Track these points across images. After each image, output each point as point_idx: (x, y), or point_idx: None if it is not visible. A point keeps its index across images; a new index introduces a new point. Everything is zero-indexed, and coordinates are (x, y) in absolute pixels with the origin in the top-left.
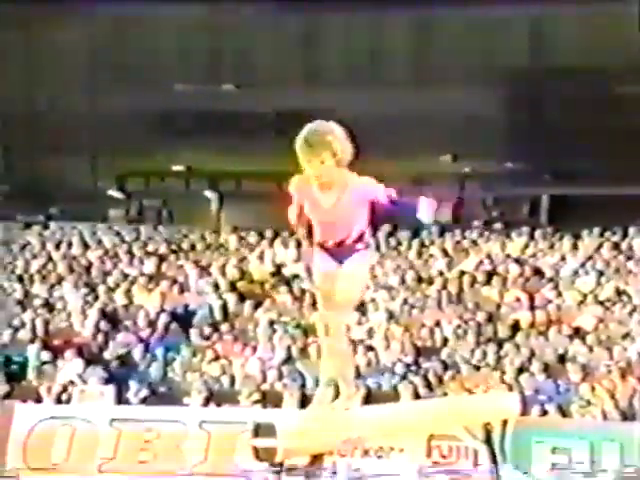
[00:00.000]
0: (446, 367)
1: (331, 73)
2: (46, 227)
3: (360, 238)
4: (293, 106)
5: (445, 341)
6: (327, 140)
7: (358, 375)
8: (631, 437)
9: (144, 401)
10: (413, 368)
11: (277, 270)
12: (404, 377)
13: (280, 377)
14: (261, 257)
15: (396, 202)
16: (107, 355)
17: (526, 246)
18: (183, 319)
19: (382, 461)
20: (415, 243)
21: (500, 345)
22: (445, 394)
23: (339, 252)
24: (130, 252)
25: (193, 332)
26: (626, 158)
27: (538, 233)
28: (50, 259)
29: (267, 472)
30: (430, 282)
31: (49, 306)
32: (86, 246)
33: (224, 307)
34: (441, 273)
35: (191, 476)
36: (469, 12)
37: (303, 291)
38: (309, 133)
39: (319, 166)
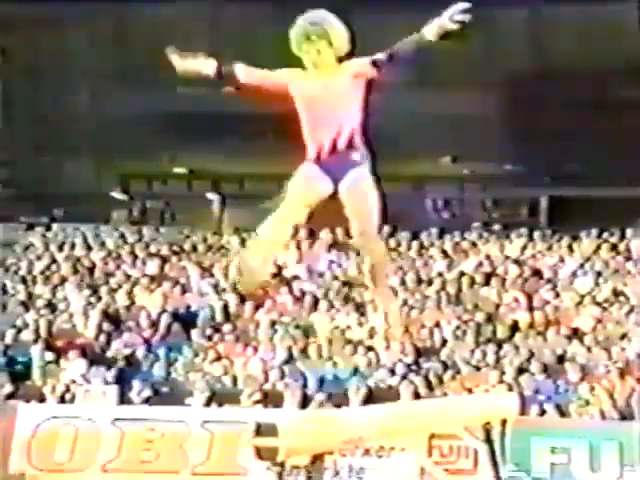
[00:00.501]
0: (446, 367)
1: None
2: (49, 228)
3: (352, 142)
4: (294, 109)
5: (445, 341)
6: (324, 29)
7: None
8: (630, 436)
9: (147, 401)
10: (413, 368)
11: (278, 271)
12: (404, 377)
13: (281, 377)
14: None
15: (393, 55)
16: (110, 355)
17: (525, 247)
18: (185, 320)
19: (383, 460)
20: (415, 244)
21: (499, 345)
22: (445, 394)
23: (333, 164)
24: (133, 253)
25: (195, 333)
26: (624, 160)
27: (537, 234)
28: (53, 260)
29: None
30: (430, 283)
31: (52, 307)
32: (89, 247)
33: (225, 308)
34: (440, 274)
35: (193, 475)
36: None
37: (303, 292)
38: (306, 22)
39: (315, 55)
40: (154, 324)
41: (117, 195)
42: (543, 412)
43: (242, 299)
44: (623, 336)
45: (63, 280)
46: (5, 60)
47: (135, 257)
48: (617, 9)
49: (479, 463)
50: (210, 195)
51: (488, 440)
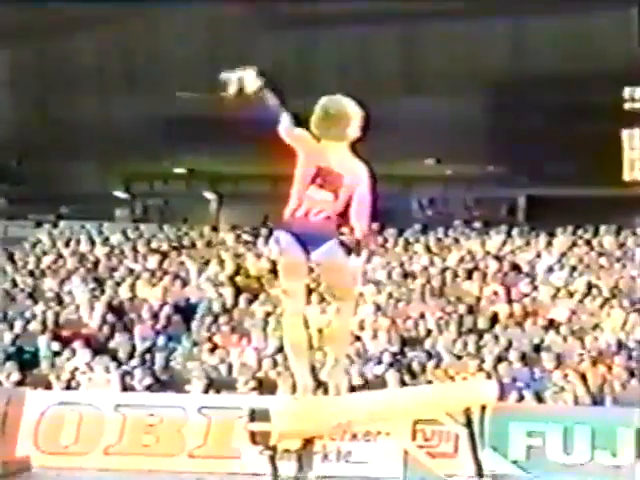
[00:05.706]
0: (430, 356)
1: (325, 81)
2: (56, 225)
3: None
4: (290, 112)
5: (429, 332)
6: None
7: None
8: (601, 421)
9: (148, 388)
10: (399, 357)
11: (272, 266)
12: (391, 365)
13: (274, 365)
14: (257, 254)
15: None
16: (113, 345)
17: (504, 243)
18: (184, 312)
19: (369, 444)
20: (401, 240)
21: (480, 336)
22: (429, 382)
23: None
24: (135, 249)
25: (193, 324)
26: (598, 162)
27: (515, 231)
28: (60, 255)
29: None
30: (414, 277)
31: (59, 299)
32: (93, 243)
33: (222, 300)
34: (425, 268)
35: (191, 458)
36: (453, 25)
37: None
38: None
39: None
40: (155, 316)
41: (120, 194)
42: (521, 398)
43: (238, 292)
44: (596, 326)
45: (69, 274)
46: (16, 68)
47: (137, 252)
48: (592, 23)
49: (459, 447)
50: (208, 194)
51: (468, 425)
